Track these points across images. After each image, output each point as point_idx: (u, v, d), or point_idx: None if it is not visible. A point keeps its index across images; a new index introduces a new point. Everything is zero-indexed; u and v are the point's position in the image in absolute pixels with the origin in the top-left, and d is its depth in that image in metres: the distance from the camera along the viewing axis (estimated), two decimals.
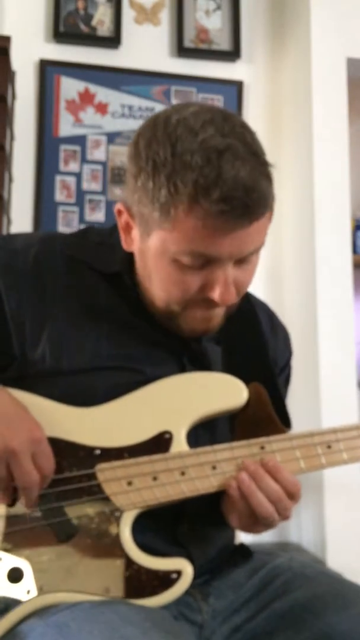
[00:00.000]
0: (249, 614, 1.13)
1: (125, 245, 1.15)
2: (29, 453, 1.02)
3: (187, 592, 1.09)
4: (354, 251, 3.11)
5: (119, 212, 1.13)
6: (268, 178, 1.04)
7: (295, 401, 2.85)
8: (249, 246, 1.06)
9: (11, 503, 1.06)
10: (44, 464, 1.04)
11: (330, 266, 2.81)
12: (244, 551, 1.24)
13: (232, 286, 1.08)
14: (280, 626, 1.08)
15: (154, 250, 1.08)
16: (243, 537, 1.34)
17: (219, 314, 1.13)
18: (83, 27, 3.00)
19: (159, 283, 1.10)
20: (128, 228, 1.13)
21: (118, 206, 1.13)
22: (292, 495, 1.08)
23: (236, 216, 1.01)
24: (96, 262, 1.19)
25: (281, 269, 3.04)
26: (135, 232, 1.11)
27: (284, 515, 1.08)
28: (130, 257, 1.17)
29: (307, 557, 2.71)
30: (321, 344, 2.76)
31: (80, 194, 2.96)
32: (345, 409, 2.71)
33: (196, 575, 1.12)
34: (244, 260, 1.08)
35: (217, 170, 0.99)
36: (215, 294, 1.07)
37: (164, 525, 1.13)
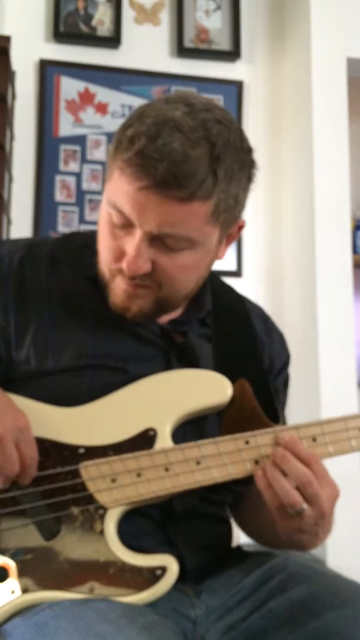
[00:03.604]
0: (244, 612, 1.12)
1: None
2: (13, 439, 1.03)
3: (179, 590, 1.08)
4: (354, 251, 3.11)
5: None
6: (214, 175, 1.03)
7: (295, 401, 2.84)
8: (166, 224, 1.04)
9: None
10: (27, 453, 1.04)
11: (330, 266, 2.81)
12: (239, 553, 1.24)
13: (142, 260, 1.07)
14: (276, 625, 1.07)
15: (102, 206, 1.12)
16: (242, 538, 1.33)
17: (142, 295, 1.12)
18: (83, 27, 3.00)
19: (99, 241, 1.14)
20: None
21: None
22: (319, 476, 1.06)
23: (144, 174, 1.01)
24: (77, 265, 1.21)
25: (281, 269, 3.03)
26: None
27: (315, 506, 1.07)
28: None
29: (307, 557, 2.69)
30: (321, 344, 2.75)
31: (80, 194, 2.96)
32: (345, 409, 2.70)
33: (189, 577, 1.12)
34: (168, 245, 1.07)
35: (151, 130, 1.01)
36: (123, 261, 1.08)
37: (154, 526, 1.13)
